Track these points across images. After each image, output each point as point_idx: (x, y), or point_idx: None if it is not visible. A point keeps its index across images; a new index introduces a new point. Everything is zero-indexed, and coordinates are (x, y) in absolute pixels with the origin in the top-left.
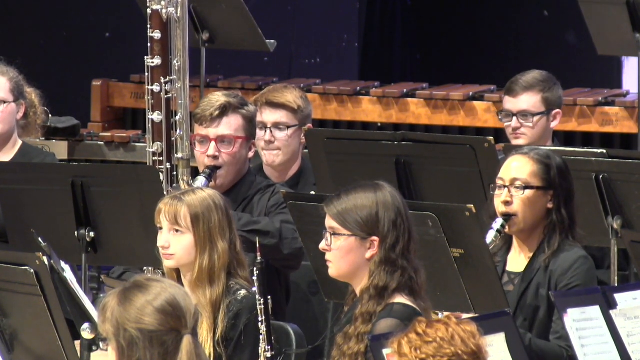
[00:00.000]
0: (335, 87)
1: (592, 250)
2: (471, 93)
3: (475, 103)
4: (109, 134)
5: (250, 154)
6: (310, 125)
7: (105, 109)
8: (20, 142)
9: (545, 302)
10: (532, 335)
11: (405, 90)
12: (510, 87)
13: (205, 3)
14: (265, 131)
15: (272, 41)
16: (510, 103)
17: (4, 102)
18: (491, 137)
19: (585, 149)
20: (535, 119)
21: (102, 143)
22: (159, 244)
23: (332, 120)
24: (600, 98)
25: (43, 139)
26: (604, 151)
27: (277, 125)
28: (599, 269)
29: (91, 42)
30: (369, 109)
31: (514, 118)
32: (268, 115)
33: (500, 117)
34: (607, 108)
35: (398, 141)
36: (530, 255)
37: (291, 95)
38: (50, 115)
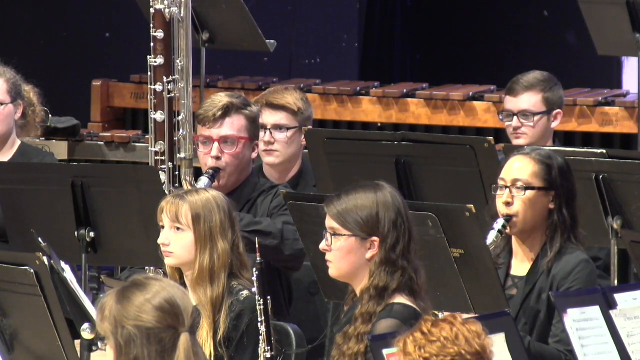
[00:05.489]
0: (335, 87)
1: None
2: (471, 93)
3: (475, 103)
4: (109, 134)
5: (254, 155)
6: (310, 127)
7: (105, 109)
8: (19, 142)
9: (546, 306)
10: (532, 339)
11: (405, 90)
12: (511, 87)
13: (205, 3)
14: (265, 132)
15: (272, 41)
16: (511, 103)
17: (2, 104)
18: (491, 137)
19: (585, 149)
20: (536, 118)
21: (102, 143)
22: (159, 241)
23: (332, 121)
24: (600, 98)
25: (43, 139)
26: (604, 151)
27: (277, 127)
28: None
29: (91, 42)
30: (369, 109)
31: (515, 118)
32: (268, 117)
33: (501, 117)
34: (607, 108)
35: (398, 141)
36: (533, 257)
37: (292, 97)
38: (50, 116)
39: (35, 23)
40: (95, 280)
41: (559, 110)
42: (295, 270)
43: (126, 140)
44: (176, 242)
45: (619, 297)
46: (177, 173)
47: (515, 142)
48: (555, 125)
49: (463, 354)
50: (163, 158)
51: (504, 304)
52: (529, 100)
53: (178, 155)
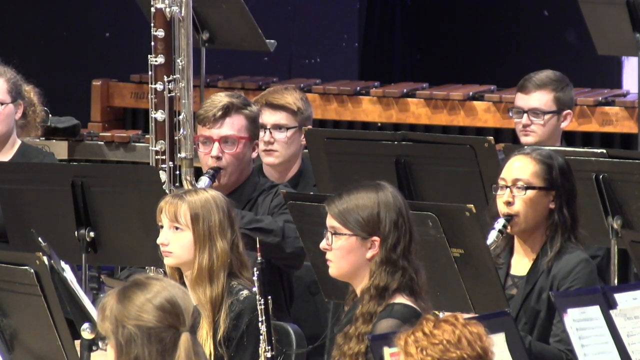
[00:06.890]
0: (335, 87)
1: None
2: (471, 93)
3: (475, 103)
4: (109, 134)
5: (254, 155)
6: (310, 127)
7: (105, 109)
8: (19, 142)
9: (546, 306)
10: (532, 338)
11: (405, 90)
12: (523, 85)
13: (205, 3)
14: (265, 132)
15: (272, 41)
16: (522, 100)
17: (2, 104)
18: (491, 137)
19: (585, 149)
20: (546, 117)
21: (102, 143)
22: (158, 241)
23: (332, 120)
24: (600, 98)
25: (43, 138)
26: (604, 151)
27: (276, 127)
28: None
29: (91, 42)
30: (369, 109)
31: (525, 115)
32: (268, 117)
33: (510, 114)
34: (607, 108)
35: (398, 141)
36: (534, 256)
37: (291, 97)
38: (50, 115)
39: (35, 23)
40: (95, 280)
41: (568, 111)
42: (296, 268)
43: (126, 140)
44: (175, 242)
45: (619, 297)
46: (177, 172)
47: (524, 139)
48: (564, 125)
49: (465, 357)
50: (163, 157)
51: (504, 304)
52: (540, 98)
53: (178, 155)
